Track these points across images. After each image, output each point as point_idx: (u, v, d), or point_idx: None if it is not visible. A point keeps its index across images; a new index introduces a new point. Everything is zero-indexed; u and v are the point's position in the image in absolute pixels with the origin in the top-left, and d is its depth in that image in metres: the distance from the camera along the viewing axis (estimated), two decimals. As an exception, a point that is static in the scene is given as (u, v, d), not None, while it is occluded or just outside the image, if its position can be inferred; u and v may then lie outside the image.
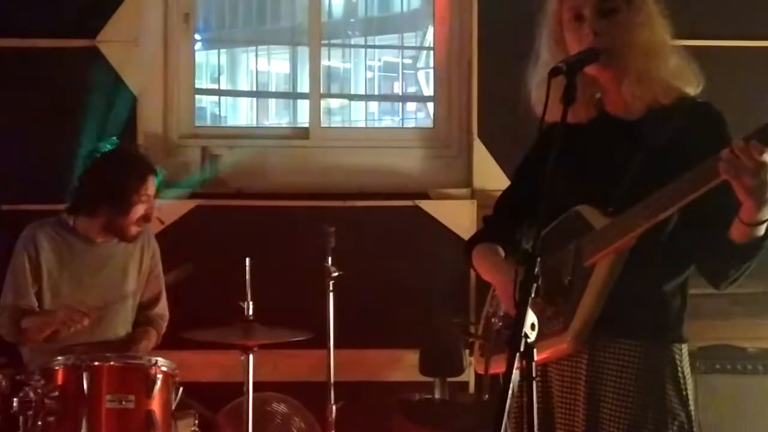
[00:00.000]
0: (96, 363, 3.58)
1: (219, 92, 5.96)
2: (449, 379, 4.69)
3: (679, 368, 2.50)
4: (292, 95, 5.87)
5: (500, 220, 2.76)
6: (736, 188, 2.22)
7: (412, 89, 6.26)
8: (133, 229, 4.05)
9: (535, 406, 2.12)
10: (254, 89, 6.36)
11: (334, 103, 6.17)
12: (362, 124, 5.82)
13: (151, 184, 4.04)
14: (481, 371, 2.68)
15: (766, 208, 2.26)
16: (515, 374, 2.09)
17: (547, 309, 2.45)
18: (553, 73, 2.30)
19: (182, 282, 4.27)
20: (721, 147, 2.22)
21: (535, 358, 2.11)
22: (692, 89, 2.50)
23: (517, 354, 2.08)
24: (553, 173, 2.22)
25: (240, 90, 6.70)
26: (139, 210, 4.02)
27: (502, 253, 2.67)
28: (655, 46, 2.49)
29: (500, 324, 2.66)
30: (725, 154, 2.19)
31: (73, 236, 4.09)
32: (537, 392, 2.13)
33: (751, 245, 2.32)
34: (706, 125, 2.42)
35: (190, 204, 4.86)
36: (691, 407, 2.52)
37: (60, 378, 3.56)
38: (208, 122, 5.74)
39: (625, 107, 2.52)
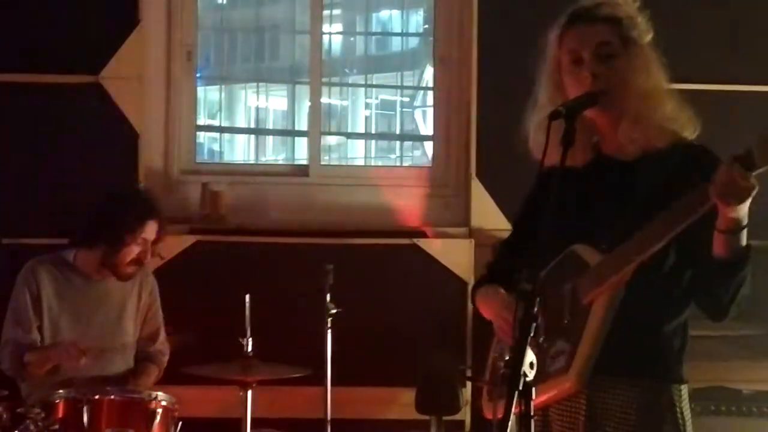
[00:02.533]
0: (96, 397, 3.60)
1: (219, 129, 6.00)
2: (445, 418, 4.68)
3: (678, 409, 2.53)
4: (291, 132, 5.91)
5: (502, 264, 2.80)
6: (720, 208, 2.28)
7: (409, 127, 6.30)
8: (126, 269, 4.07)
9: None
10: (252, 126, 6.40)
11: (332, 140, 6.21)
12: (359, 162, 5.85)
13: (150, 229, 4.06)
14: (490, 416, 2.69)
15: (741, 218, 2.31)
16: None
17: (549, 349, 2.48)
18: (553, 116, 2.35)
19: (182, 346, 4.27)
20: None
21: (537, 398, 2.14)
22: (688, 133, 2.55)
23: (516, 393, 2.11)
24: (551, 215, 2.26)
25: (239, 127, 6.74)
26: (132, 251, 4.04)
27: (504, 292, 2.69)
28: (652, 90, 2.54)
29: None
30: (716, 177, 2.25)
31: (72, 273, 4.12)
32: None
33: (736, 258, 2.36)
34: (701, 167, 2.43)
35: (190, 239, 4.89)
36: None
37: (60, 411, 3.59)
38: (206, 158, 5.77)
39: (621, 149, 2.57)
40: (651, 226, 2.38)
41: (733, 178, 2.22)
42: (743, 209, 2.30)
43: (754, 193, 2.25)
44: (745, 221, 2.33)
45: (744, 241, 2.36)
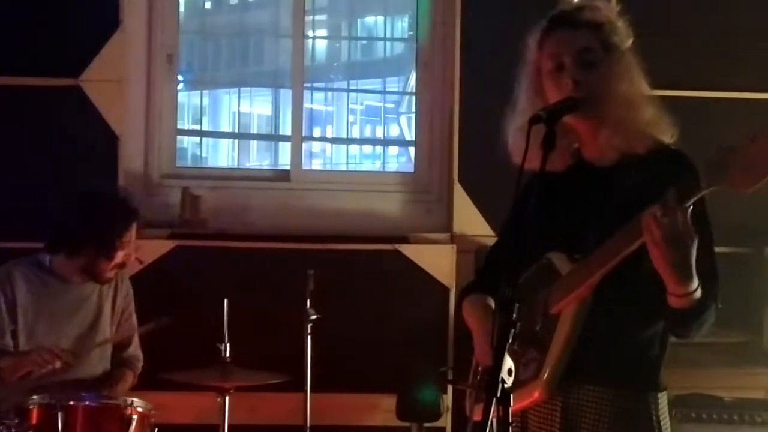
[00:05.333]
0: (71, 402, 3.56)
1: (201, 133, 5.97)
2: (426, 425, 4.67)
3: (654, 417, 2.51)
4: (274, 137, 5.88)
5: (490, 272, 2.78)
6: (651, 253, 2.25)
7: (394, 133, 6.30)
8: (110, 274, 4.04)
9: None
10: (236, 131, 6.38)
11: (316, 145, 6.19)
12: (344, 168, 5.84)
13: (134, 231, 4.05)
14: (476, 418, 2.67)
15: (688, 279, 2.29)
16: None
17: (522, 357, 2.47)
18: (533, 121, 2.33)
19: (157, 332, 4.21)
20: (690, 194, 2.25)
21: (512, 405, 2.12)
22: (667, 138, 2.54)
23: (494, 400, 2.09)
24: (531, 221, 2.25)
25: (222, 131, 6.72)
26: (120, 255, 4.02)
27: (492, 303, 2.67)
28: (633, 96, 2.53)
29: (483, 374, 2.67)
30: (644, 217, 2.23)
31: (49, 276, 4.07)
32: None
33: (691, 310, 2.34)
34: (677, 172, 2.43)
35: (170, 244, 4.86)
36: None
37: (35, 417, 3.55)
38: (189, 163, 5.74)
39: (601, 155, 2.56)
40: (612, 240, 2.37)
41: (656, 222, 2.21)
42: (684, 272, 2.27)
43: (685, 243, 2.22)
44: (692, 287, 2.30)
45: (697, 296, 2.32)
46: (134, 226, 4.05)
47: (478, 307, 2.70)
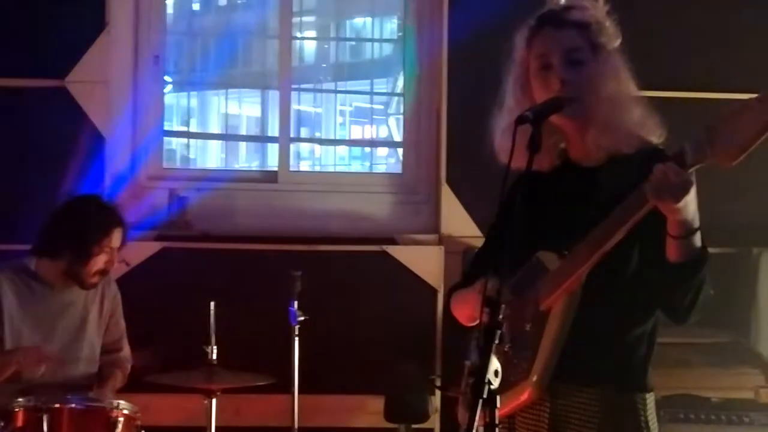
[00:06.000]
0: (56, 405, 3.54)
1: (188, 134, 5.95)
2: (414, 426, 4.66)
3: (642, 418, 2.50)
4: (262, 139, 5.87)
5: (476, 274, 2.76)
6: (663, 210, 2.26)
7: (383, 134, 6.29)
8: (92, 279, 4.02)
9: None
10: (224, 132, 6.38)
11: (304, 147, 6.18)
12: (332, 169, 5.83)
13: (116, 238, 4.01)
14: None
15: (690, 220, 2.29)
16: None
17: (513, 357, 2.46)
18: (519, 121, 2.33)
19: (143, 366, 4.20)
20: None
21: (500, 407, 2.10)
22: (655, 138, 2.53)
23: (481, 401, 2.08)
24: (518, 221, 2.24)
25: (210, 133, 6.71)
26: (100, 261, 3.98)
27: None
28: (620, 97, 2.52)
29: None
30: (650, 178, 2.24)
31: (34, 281, 4.05)
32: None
33: (691, 262, 2.33)
34: None
35: (156, 246, 4.84)
36: None
37: (20, 420, 3.52)
38: (178, 164, 5.73)
39: (588, 155, 2.55)
40: (597, 230, 2.37)
41: (666, 175, 2.21)
42: (689, 211, 2.28)
43: (691, 189, 2.23)
44: (696, 224, 2.31)
45: (698, 243, 2.33)
46: (116, 233, 4.01)
47: (465, 291, 2.67)
